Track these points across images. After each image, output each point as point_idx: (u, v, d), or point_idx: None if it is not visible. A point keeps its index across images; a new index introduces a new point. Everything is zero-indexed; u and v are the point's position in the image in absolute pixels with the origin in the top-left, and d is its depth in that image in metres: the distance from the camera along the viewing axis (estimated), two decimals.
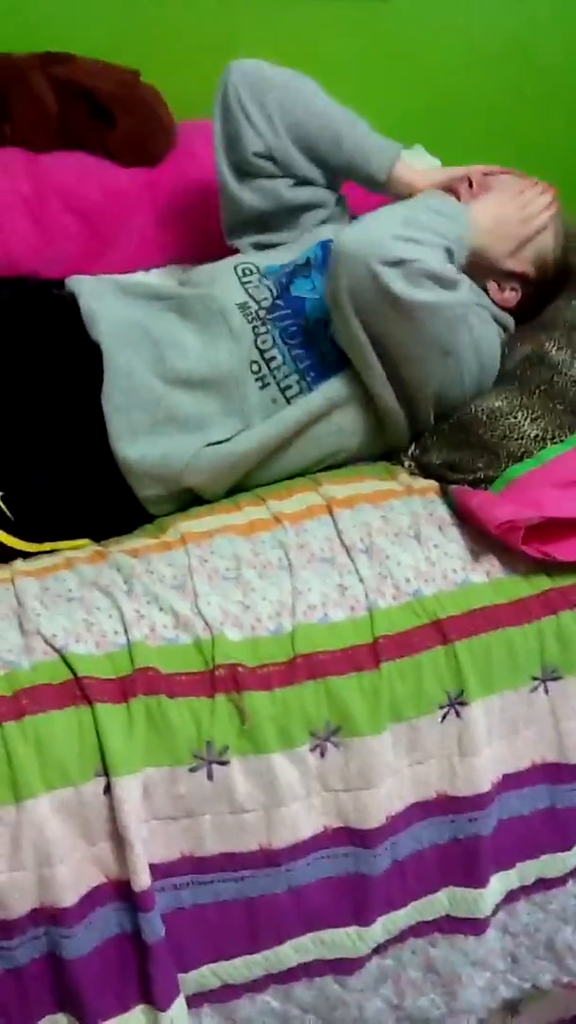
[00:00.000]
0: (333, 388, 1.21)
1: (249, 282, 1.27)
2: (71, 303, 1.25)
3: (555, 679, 1.08)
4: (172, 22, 1.68)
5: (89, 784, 0.93)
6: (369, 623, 1.04)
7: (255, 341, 1.22)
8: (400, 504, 1.14)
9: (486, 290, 1.33)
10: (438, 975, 1.13)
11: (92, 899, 0.95)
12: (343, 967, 1.07)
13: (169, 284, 1.34)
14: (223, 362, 1.20)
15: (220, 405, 1.20)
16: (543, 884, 1.14)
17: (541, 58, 1.95)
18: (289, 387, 1.21)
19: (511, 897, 1.13)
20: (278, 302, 1.25)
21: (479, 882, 1.09)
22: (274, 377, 1.21)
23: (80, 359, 1.20)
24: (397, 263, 1.07)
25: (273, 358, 1.22)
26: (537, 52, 1.94)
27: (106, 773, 0.93)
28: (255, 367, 1.21)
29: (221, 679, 0.98)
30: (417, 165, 1.69)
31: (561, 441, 1.15)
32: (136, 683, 0.96)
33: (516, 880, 1.13)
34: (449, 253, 1.14)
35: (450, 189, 1.34)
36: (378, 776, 1.01)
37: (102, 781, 0.93)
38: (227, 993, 1.04)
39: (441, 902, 1.10)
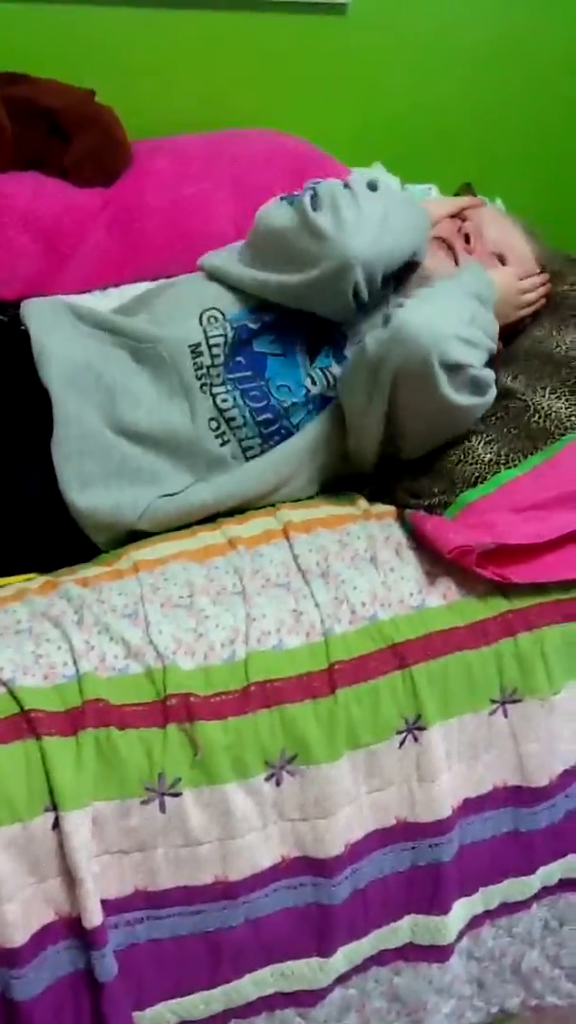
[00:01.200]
0: (299, 448, 1.20)
1: (210, 328, 1.21)
2: (23, 334, 1.21)
3: (514, 701, 1.07)
4: (126, 41, 1.68)
5: (37, 819, 0.91)
6: (324, 649, 1.02)
7: (214, 400, 1.18)
8: (357, 528, 1.13)
9: None
10: (403, 1004, 1.11)
11: (43, 938, 0.93)
12: (305, 999, 1.05)
13: (124, 319, 1.25)
14: (176, 423, 1.17)
15: (173, 462, 1.17)
16: (507, 908, 1.13)
17: (498, 71, 1.96)
18: (250, 448, 1.20)
19: (475, 922, 1.12)
20: (239, 359, 1.20)
21: (442, 909, 1.07)
22: (235, 435, 1.19)
23: (30, 400, 1.16)
24: (454, 367, 1.09)
25: (233, 418, 1.18)
26: (494, 65, 1.95)
27: (55, 808, 0.91)
28: (213, 424, 1.18)
29: (173, 709, 0.96)
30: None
31: (515, 465, 1.14)
32: (85, 715, 0.94)
33: (480, 905, 1.11)
34: (489, 352, 1.15)
35: (446, 243, 1.31)
36: (336, 804, 1.00)
37: (51, 816, 0.91)
38: None
39: (404, 930, 1.08)
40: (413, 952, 1.09)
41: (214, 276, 1.27)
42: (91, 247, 1.56)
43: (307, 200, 1.17)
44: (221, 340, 1.21)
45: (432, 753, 1.03)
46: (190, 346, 1.19)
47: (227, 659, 1.00)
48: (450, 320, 1.10)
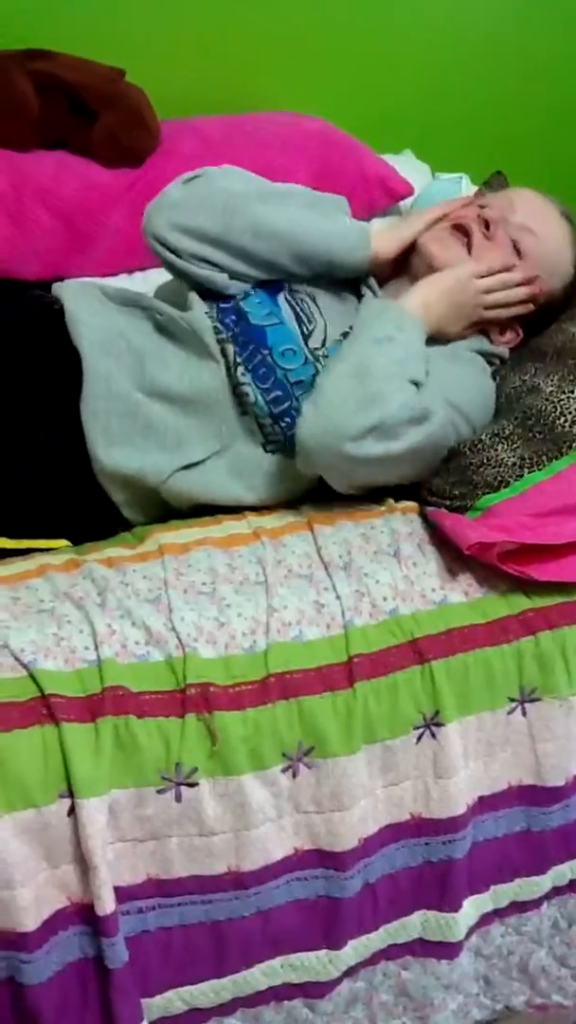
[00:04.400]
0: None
1: (212, 316, 1.21)
2: (55, 308, 1.22)
3: (533, 700, 1.06)
4: (157, 19, 1.66)
5: (53, 805, 0.91)
6: (344, 641, 1.01)
7: (234, 369, 1.17)
8: (381, 522, 1.13)
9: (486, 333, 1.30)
10: (410, 998, 1.11)
11: (54, 923, 0.93)
12: (313, 991, 1.05)
13: (149, 298, 1.29)
14: (205, 382, 1.17)
15: (199, 423, 1.17)
16: (517, 907, 1.12)
17: (524, 55, 1.93)
18: (264, 426, 1.18)
19: (485, 920, 1.12)
20: (242, 338, 1.19)
21: (453, 906, 1.07)
22: (252, 408, 1.18)
23: (62, 362, 1.17)
24: (368, 431, 1.06)
25: (246, 394, 1.17)
26: (519, 48, 1.92)
27: (71, 794, 0.91)
28: (236, 390, 1.18)
29: (192, 699, 0.95)
30: (406, 172, 1.67)
31: (540, 468, 1.13)
32: (105, 702, 0.93)
33: (490, 904, 1.11)
34: (415, 381, 1.11)
35: (462, 229, 1.26)
36: (351, 798, 0.99)
37: (67, 803, 0.91)
38: (194, 1017, 1.01)
39: (414, 925, 1.08)
40: (422, 948, 1.09)
41: None
42: (113, 229, 1.55)
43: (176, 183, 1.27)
44: (231, 325, 1.20)
45: (449, 750, 1.02)
46: (206, 312, 1.20)
47: (248, 649, 0.99)
48: (336, 404, 1.07)
